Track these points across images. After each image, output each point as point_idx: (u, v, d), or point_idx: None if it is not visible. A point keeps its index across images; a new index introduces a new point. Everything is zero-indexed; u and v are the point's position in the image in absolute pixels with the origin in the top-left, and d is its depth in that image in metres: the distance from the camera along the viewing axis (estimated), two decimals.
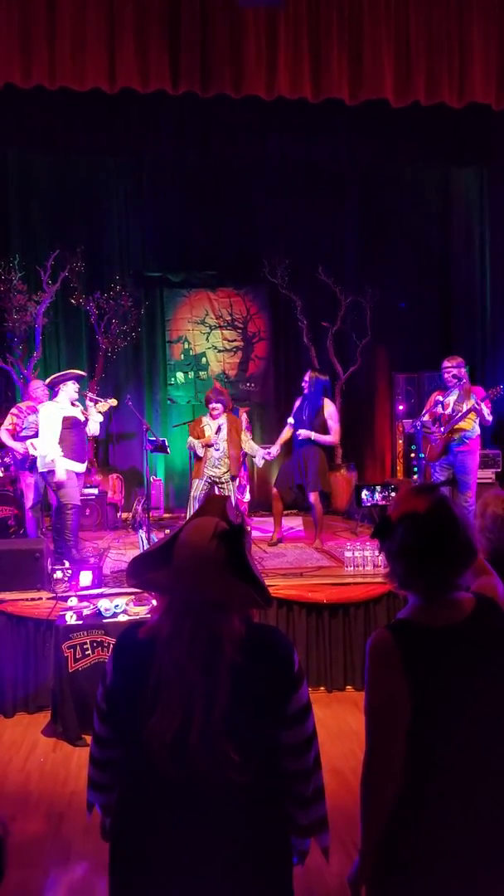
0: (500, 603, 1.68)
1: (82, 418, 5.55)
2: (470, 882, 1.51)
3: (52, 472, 5.35)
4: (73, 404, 5.55)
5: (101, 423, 5.82)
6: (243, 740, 1.43)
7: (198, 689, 1.42)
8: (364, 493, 6.32)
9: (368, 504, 6.34)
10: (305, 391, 6.16)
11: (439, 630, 1.55)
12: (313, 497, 6.05)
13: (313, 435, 6.01)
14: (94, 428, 5.67)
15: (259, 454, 6.18)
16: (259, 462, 6.30)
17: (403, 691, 1.51)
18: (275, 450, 6.29)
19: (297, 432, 6.10)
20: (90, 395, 5.77)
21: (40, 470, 5.51)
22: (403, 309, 8.89)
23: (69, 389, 5.53)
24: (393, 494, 6.03)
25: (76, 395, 5.57)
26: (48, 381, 5.81)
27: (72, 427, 5.44)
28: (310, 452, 6.05)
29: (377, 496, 6.27)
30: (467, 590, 1.68)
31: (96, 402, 5.71)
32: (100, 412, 5.74)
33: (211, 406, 6.05)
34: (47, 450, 5.32)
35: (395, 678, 1.52)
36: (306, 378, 6.21)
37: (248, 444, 6.19)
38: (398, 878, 1.55)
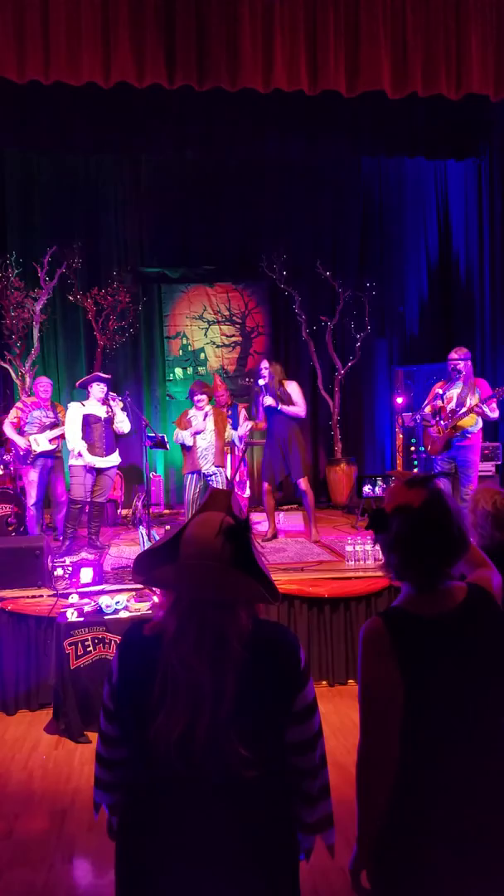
0: (495, 594, 1.70)
1: (103, 416, 6.03)
2: (470, 866, 1.52)
3: (79, 466, 5.93)
4: (103, 403, 6.07)
5: (127, 418, 6.18)
6: (250, 737, 1.42)
7: (204, 686, 1.41)
8: (366, 487, 6.35)
9: (370, 496, 6.34)
10: (266, 380, 6.03)
11: (430, 618, 1.58)
12: (304, 483, 6.04)
13: (279, 405, 5.92)
14: (122, 427, 6.12)
15: (234, 436, 6.27)
16: (238, 443, 6.36)
17: (396, 677, 1.53)
18: (242, 430, 6.32)
19: (263, 399, 6.01)
20: (111, 394, 6.14)
21: (73, 464, 6.00)
22: (402, 312, 8.88)
23: (94, 390, 6.06)
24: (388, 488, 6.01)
25: (102, 395, 6.06)
26: (78, 384, 6.37)
27: (88, 424, 5.96)
28: (291, 436, 5.99)
29: (377, 488, 6.28)
30: (462, 579, 1.70)
31: (115, 398, 6.15)
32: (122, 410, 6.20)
33: (196, 398, 6.12)
34: (73, 444, 5.91)
35: (386, 665, 1.54)
36: (266, 366, 6.10)
37: (229, 433, 6.28)
38: (398, 863, 1.56)
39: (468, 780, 1.53)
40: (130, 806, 1.54)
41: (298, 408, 6.02)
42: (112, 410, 6.07)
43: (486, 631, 1.60)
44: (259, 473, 8.50)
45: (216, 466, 6.09)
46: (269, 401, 5.99)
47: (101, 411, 6.03)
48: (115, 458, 6.15)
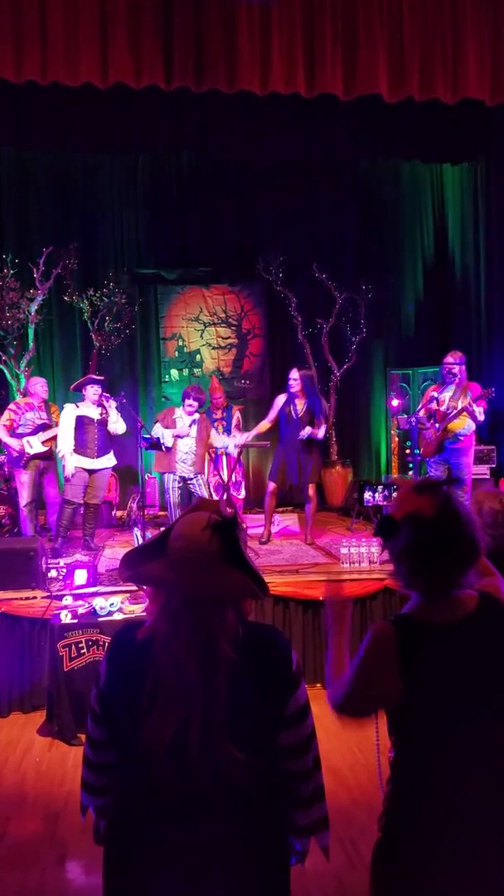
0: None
1: (96, 417, 6.02)
2: (469, 877, 1.51)
3: (76, 468, 5.93)
4: (97, 405, 6.05)
5: (122, 418, 6.16)
6: (243, 739, 1.41)
7: (197, 688, 1.41)
8: (367, 494, 6.29)
9: (371, 504, 6.29)
10: (294, 389, 6.02)
11: (441, 626, 1.55)
12: (312, 490, 6.05)
13: (320, 433, 5.92)
14: (116, 428, 6.11)
15: (230, 444, 6.29)
16: (233, 451, 6.37)
17: (395, 683, 1.51)
18: (241, 439, 6.32)
19: (302, 434, 5.92)
20: (104, 394, 6.12)
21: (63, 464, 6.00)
22: (410, 311, 8.89)
23: (89, 392, 6.04)
24: (394, 495, 5.99)
25: (96, 397, 6.05)
26: (72, 387, 6.35)
27: (82, 425, 5.96)
28: (310, 446, 6.00)
29: (378, 496, 6.24)
30: (471, 588, 1.67)
31: (108, 399, 6.12)
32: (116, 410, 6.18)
33: (188, 402, 6.11)
34: (62, 446, 5.91)
35: (388, 670, 1.52)
36: (295, 377, 6.07)
37: (219, 439, 6.29)
38: (399, 868, 1.55)
39: (472, 786, 1.52)
40: (119, 809, 1.53)
41: (321, 431, 6.01)
42: (107, 412, 6.07)
43: (497, 639, 1.57)
44: (254, 475, 8.50)
45: (196, 474, 6.12)
46: (307, 431, 5.87)
47: (94, 413, 6.03)
48: (108, 460, 6.13)
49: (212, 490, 6.57)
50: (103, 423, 6.04)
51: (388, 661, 1.53)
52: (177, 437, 6.05)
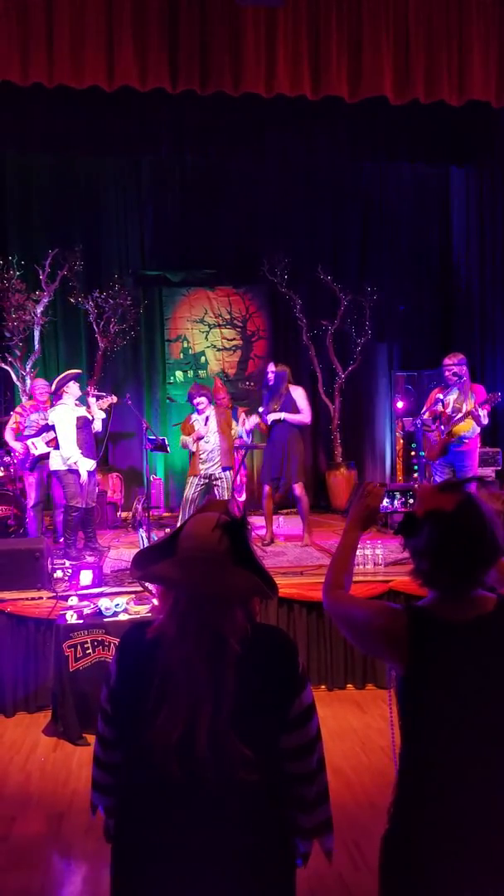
0: None
1: (90, 417, 5.84)
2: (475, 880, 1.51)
3: (73, 472, 5.68)
4: (77, 403, 5.82)
5: (102, 419, 6.03)
6: (250, 739, 1.42)
7: (205, 686, 1.42)
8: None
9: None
10: (271, 383, 6.17)
11: (454, 623, 1.55)
12: (299, 489, 6.05)
13: (283, 415, 6.00)
14: (97, 425, 5.94)
15: (241, 431, 6.37)
16: (246, 437, 6.51)
17: (399, 653, 1.54)
18: (249, 423, 6.51)
19: (266, 417, 6.09)
20: (92, 391, 6.01)
21: (53, 468, 5.78)
22: (403, 311, 8.89)
23: (73, 390, 5.81)
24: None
25: (80, 393, 5.84)
26: (52, 387, 6.09)
27: (83, 427, 5.76)
28: (291, 443, 6.03)
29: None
30: (492, 591, 1.66)
31: (98, 398, 5.95)
32: (102, 409, 5.99)
33: (195, 402, 6.12)
34: (69, 452, 5.62)
35: (394, 649, 1.54)
36: (272, 369, 6.23)
37: (237, 429, 6.30)
38: (403, 867, 1.54)
39: (480, 784, 1.52)
40: (125, 809, 1.54)
41: (303, 415, 6.04)
42: (90, 408, 5.88)
43: None
44: (259, 477, 8.51)
45: (223, 469, 6.06)
46: (272, 416, 6.00)
47: (84, 412, 5.85)
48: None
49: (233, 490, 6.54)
50: (91, 421, 5.89)
51: (396, 640, 1.54)
52: (197, 440, 6.03)
